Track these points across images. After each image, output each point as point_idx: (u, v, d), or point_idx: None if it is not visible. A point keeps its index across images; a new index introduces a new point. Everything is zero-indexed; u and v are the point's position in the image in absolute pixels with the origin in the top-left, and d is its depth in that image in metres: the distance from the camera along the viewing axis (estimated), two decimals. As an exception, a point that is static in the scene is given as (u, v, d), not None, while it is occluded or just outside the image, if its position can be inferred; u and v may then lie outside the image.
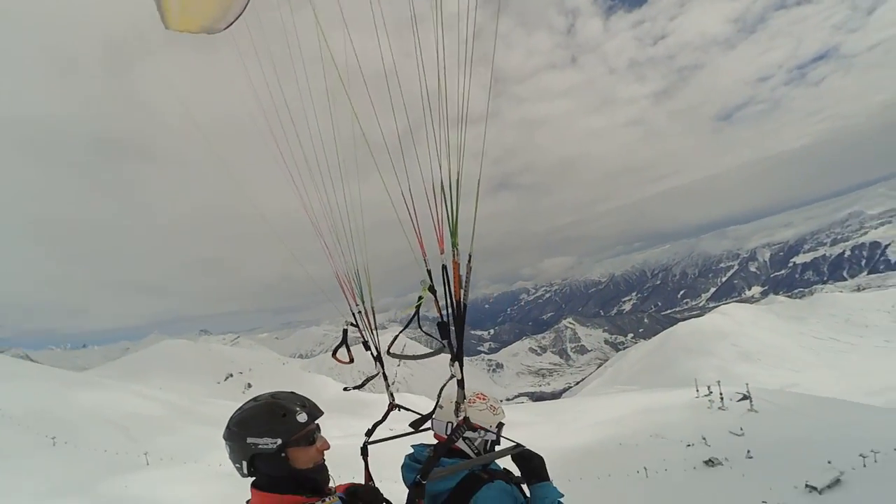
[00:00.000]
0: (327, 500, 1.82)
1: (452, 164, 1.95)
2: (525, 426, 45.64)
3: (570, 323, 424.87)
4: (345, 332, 2.56)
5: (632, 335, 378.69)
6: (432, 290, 2.10)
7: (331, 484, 1.96)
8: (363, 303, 2.54)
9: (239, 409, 1.85)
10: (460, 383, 2.11)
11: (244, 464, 1.78)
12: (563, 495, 2.13)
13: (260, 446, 1.75)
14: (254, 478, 1.82)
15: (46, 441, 32.56)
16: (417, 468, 2.19)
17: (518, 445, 2.26)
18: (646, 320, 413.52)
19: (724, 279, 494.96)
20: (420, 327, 2.26)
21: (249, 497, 1.80)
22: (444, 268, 2.03)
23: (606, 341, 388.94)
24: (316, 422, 1.88)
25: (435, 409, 2.41)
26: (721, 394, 40.20)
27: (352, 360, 2.57)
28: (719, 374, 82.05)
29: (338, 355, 2.60)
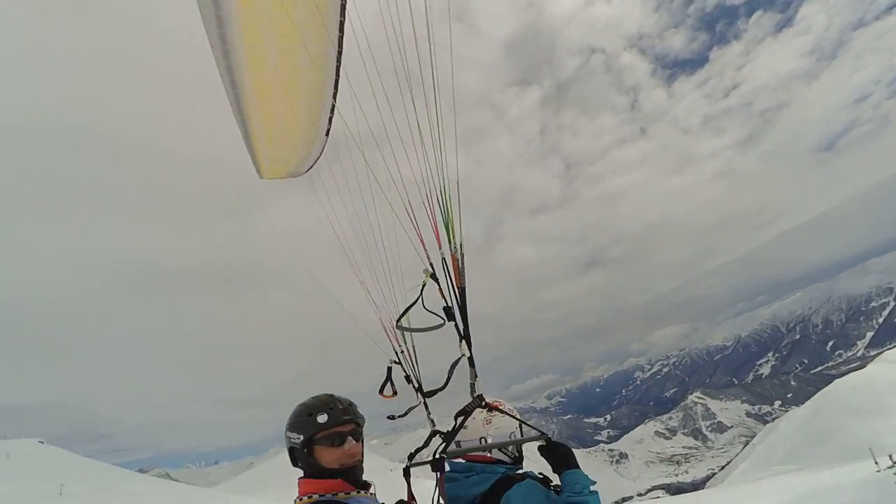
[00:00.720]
0: (362, 492, 1.93)
1: (446, 178, 2.39)
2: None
3: (700, 397, 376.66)
4: (389, 369, 2.75)
5: (779, 402, 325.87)
6: (434, 277, 2.37)
7: (372, 490, 2.01)
8: (405, 343, 2.82)
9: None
10: (471, 361, 2.33)
11: (288, 455, 1.99)
12: (594, 482, 2.11)
13: (291, 440, 1.93)
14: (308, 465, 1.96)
15: None
16: (455, 477, 2.27)
17: (543, 434, 2.31)
18: (793, 383, 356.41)
19: (880, 320, 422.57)
20: (423, 305, 2.44)
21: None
22: (444, 259, 2.37)
23: (749, 413, 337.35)
24: (348, 426, 1.94)
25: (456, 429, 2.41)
26: (908, 467, 31.34)
27: (395, 394, 2.72)
28: (906, 437, 65.77)
29: (384, 392, 2.73)
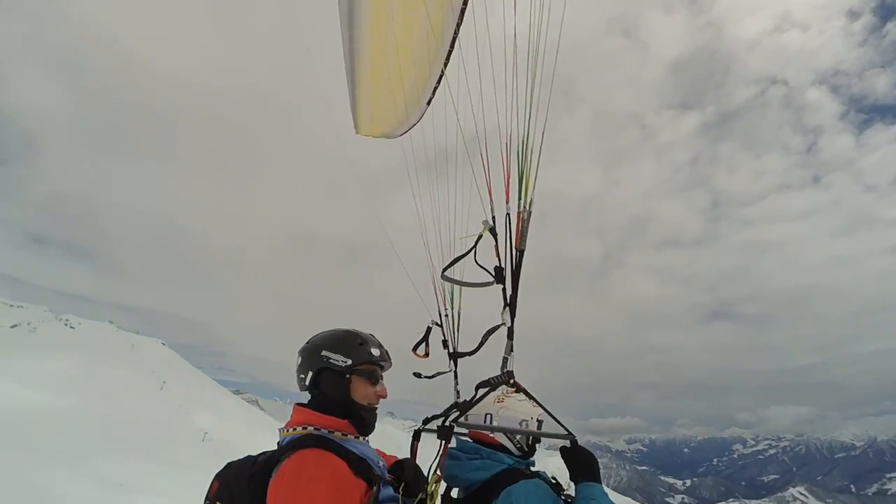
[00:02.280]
0: (361, 438, 1.88)
1: (531, 122, 2.10)
2: None
3: (803, 494, 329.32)
4: (428, 329, 2.69)
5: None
6: (493, 232, 2.17)
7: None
8: (451, 308, 2.74)
9: (324, 330, 1.97)
10: (510, 332, 2.08)
11: (310, 374, 1.88)
12: None
13: (331, 360, 1.85)
14: (309, 395, 1.91)
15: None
16: (458, 455, 2.13)
17: (570, 434, 2.06)
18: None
19: None
20: (476, 260, 2.31)
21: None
22: (508, 215, 2.15)
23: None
24: (384, 369, 1.98)
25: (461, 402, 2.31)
26: None
27: (427, 355, 2.64)
28: None
29: (417, 350, 2.67)
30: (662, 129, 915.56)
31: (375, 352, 1.91)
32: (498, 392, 2.16)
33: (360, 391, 1.88)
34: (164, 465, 32.44)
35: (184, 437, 43.03)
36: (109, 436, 36.06)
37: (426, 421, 2.30)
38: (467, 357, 2.56)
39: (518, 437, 2.17)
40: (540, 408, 2.18)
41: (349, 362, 1.86)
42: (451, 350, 2.73)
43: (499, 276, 2.16)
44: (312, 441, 1.70)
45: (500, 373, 2.14)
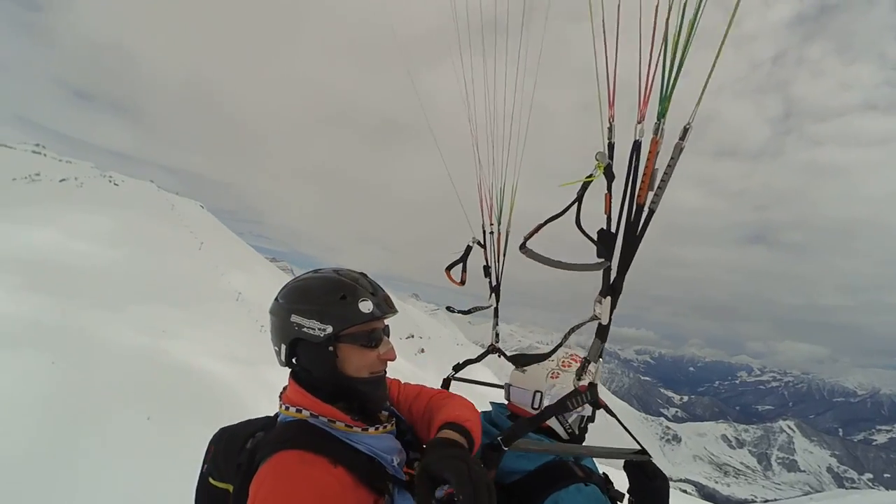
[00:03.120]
0: (378, 428, 1.34)
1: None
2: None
3: (790, 427, 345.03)
4: (468, 248, 2.25)
5: (870, 476, 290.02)
6: (609, 172, 1.27)
7: (388, 425, 1.42)
8: (498, 223, 2.17)
9: (296, 277, 1.43)
10: (602, 332, 1.32)
11: (283, 348, 1.37)
12: None
13: (305, 329, 1.30)
14: (291, 369, 1.41)
15: (257, 325, 44.33)
16: (492, 431, 1.73)
17: (644, 451, 1.60)
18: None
19: None
20: (578, 221, 1.36)
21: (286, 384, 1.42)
22: (637, 144, 1.20)
23: (830, 469, 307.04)
24: (385, 320, 1.42)
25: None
26: None
27: (463, 283, 2.28)
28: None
29: (451, 273, 2.24)
30: (749, 16, 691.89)
31: (365, 306, 1.34)
32: (553, 364, 1.84)
33: (354, 362, 1.34)
34: (200, 318, 35.90)
35: (219, 295, 47.01)
36: (151, 288, 39.77)
37: (458, 367, 2.07)
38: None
39: (571, 419, 1.83)
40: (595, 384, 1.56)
41: (328, 330, 1.30)
42: (494, 281, 2.28)
43: (605, 244, 1.28)
44: (303, 437, 1.24)
45: (574, 390, 1.48)
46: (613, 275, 1.28)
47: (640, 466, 1.61)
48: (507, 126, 1.92)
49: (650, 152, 1.21)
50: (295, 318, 1.33)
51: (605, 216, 1.28)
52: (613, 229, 1.27)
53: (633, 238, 1.25)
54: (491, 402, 2.02)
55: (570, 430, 1.83)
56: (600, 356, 1.38)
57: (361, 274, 1.45)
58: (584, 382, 1.46)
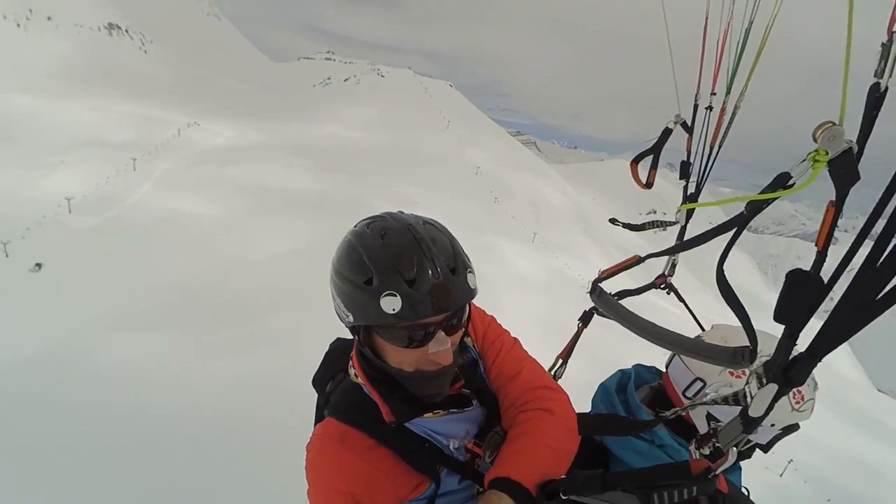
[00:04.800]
0: (439, 412, 1.14)
1: None
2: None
3: None
4: (666, 132, 1.68)
5: None
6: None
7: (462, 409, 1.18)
8: (727, 92, 1.50)
9: (354, 226, 1.08)
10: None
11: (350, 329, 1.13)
12: None
13: (337, 312, 1.08)
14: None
15: (492, 196, 46.74)
16: (616, 401, 1.44)
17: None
18: None
19: None
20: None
21: None
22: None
23: None
24: (440, 315, 0.99)
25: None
26: None
27: (650, 185, 1.69)
28: None
29: (638, 167, 1.67)
30: None
31: (389, 304, 0.95)
32: (794, 398, 1.26)
33: (392, 356, 1.07)
34: (445, 193, 40.91)
35: (462, 169, 51.97)
36: (405, 165, 46.67)
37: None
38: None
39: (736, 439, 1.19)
40: (802, 415, 1.28)
41: (350, 319, 1.04)
42: (694, 188, 1.74)
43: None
44: (354, 412, 1.13)
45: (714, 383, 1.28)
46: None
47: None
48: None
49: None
50: (331, 288, 1.08)
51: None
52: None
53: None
54: (636, 365, 1.60)
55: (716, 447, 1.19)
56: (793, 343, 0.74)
57: (417, 241, 0.99)
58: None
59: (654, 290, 1.79)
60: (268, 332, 12.79)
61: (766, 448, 1.35)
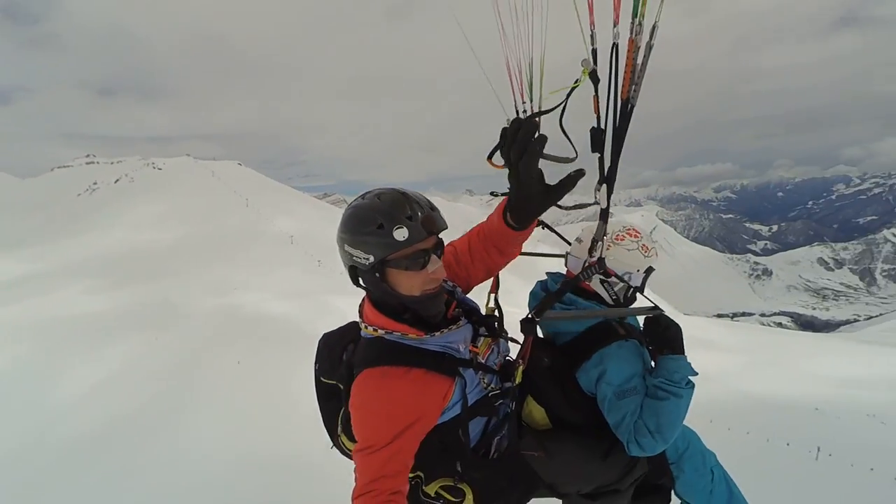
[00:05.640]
0: (444, 330, 1.53)
1: None
2: (734, 353, 34.84)
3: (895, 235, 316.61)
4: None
5: None
6: (594, 77, 1.39)
7: (456, 325, 1.58)
8: (531, 100, 1.81)
9: (348, 205, 1.53)
10: (603, 214, 1.61)
11: (348, 273, 1.52)
12: (696, 373, 1.82)
13: (355, 258, 1.44)
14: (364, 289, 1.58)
15: (313, 260, 44.54)
16: (541, 296, 2.06)
17: (656, 307, 1.93)
18: None
19: None
20: (561, 123, 1.45)
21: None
22: (615, 46, 1.33)
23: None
24: (431, 241, 1.46)
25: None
26: None
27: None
28: None
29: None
30: None
31: (400, 233, 1.37)
32: (608, 237, 2.03)
33: (404, 284, 1.45)
34: (262, 268, 39.92)
35: (274, 243, 51.08)
36: (215, 253, 44.25)
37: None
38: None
39: (617, 287, 2.05)
40: (649, 260, 2.05)
41: (371, 259, 1.40)
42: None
43: (596, 140, 1.47)
44: (383, 355, 1.48)
45: (587, 260, 1.90)
46: (607, 164, 1.46)
47: (656, 320, 1.90)
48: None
49: (628, 51, 1.33)
50: (347, 248, 1.45)
51: (595, 115, 1.42)
52: (602, 125, 1.41)
53: (622, 131, 1.39)
54: (547, 272, 2.23)
55: (614, 298, 2.05)
56: (605, 233, 1.68)
57: (402, 194, 1.45)
58: (594, 258, 1.80)
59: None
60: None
61: (640, 289, 2.05)
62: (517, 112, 1.79)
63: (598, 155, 1.47)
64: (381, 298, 1.53)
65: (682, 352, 1.84)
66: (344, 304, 29.27)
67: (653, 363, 1.92)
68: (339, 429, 1.79)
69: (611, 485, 1.97)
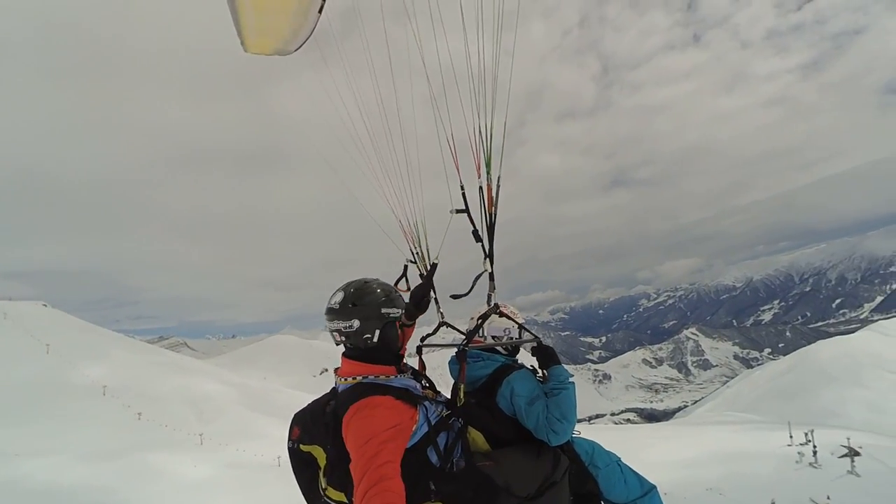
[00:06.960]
0: (406, 374, 2.29)
1: (490, 119, 2.67)
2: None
3: (694, 333, 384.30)
4: (405, 266, 2.95)
5: (769, 350, 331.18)
6: (465, 210, 2.84)
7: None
8: (421, 246, 3.06)
9: (352, 288, 2.23)
10: (491, 276, 2.89)
11: (377, 333, 2.18)
12: (572, 375, 2.66)
13: (391, 315, 2.22)
14: (371, 347, 2.20)
15: (132, 413, 38.24)
16: (475, 354, 2.88)
17: (536, 337, 2.89)
18: (788, 334, 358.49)
19: (894, 286, 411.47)
20: (471, 212, 2.88)
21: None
22: (480, 188, 2.83)
23: (737, 356, 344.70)
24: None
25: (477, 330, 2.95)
26: (815, 446, 30.86)
27: (409, 290, 2.91)
28: (869, 411, 63.30)
29: (399, 286, 2.91)
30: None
31: (401, 308, 2.33)
32: (493, 293, 2.98)
33: (408, 335, 2.52)
34: (60, 425, 30.25)
35: (80, 395, 39.94)
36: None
37: (424, 338, 2.93)
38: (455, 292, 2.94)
39: (504, 339, 2.94)
40: (519, 319, 2.99)
41: (400, 313, 2.26)
42: (426, 272, 2.98)
43: (476, 237, 2.85)
44: (365, 390, 2.03)
45: (488, 306, 2.92)
46: (487, 247, 2.83)
47: (539, 345, 2.83)
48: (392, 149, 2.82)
49: (488, 189, 2.82)
50: (385, 310, 2.21)
51: (471, 223, 2.84)
52: (478, 227, 2.85)
53: (491, 231, 2.84)
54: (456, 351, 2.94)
55: (506, 350, 2.98)
56: (495, 288, 2.94)
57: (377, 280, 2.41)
58: (481, 323, 2.87)
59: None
60: None
61: (520, 338, 2.97)
62: (412, 254, 3.01)
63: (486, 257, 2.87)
64: (384, 348, 2.24)
65: (560, 363, 2.72)
66: (168, 461, 23.99)
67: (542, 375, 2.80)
68: (325, 483, 2.13)
69: (549, 478, 2.35)
